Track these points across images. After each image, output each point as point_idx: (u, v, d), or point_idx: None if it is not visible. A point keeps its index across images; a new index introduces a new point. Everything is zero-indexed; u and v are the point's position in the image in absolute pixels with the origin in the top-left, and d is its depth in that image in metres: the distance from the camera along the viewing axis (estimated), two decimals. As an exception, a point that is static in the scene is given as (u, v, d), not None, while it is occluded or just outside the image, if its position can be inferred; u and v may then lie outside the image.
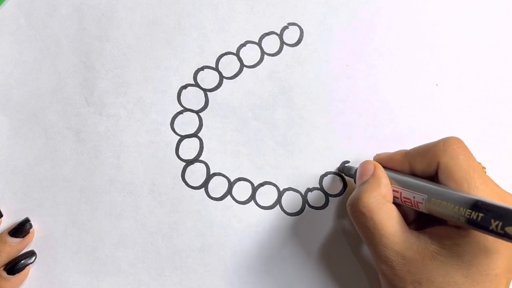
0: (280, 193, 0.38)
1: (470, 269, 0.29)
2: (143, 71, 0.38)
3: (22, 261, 0.37)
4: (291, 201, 0.38)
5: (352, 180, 0.38)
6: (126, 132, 0.38)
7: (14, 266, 0.36)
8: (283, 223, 0.38)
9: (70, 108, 0.38)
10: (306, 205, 0.38)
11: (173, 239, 0.38)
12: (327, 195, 0.38)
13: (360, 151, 0.38)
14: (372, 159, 0.36)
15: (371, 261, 0.38)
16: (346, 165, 0.37)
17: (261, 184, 0.38)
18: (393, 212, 0.31)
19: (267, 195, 0.38)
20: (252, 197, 0.38)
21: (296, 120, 0.38)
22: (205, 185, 0.38)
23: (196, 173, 0.38)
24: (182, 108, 0.38)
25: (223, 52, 0.38)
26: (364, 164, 0.34)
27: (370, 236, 0.31)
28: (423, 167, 0.32)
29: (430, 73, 0.38)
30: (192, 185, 0.38)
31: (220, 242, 0.38)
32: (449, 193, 0.29)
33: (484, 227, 0.26)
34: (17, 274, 0.36)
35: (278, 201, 0.38)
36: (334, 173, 0.38)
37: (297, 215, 0.38)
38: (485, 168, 0.35)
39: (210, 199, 0.38)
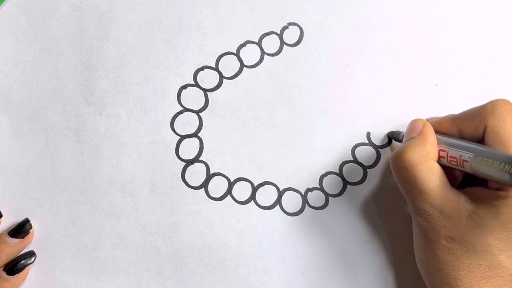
0: (280, 193, 0.38)
1: (505, 232, 0.29)
2: (143, 71, 0.38)
3: (22, 262, 0.37)
4: (291, 201, 0.38)
5: (350, 180, 0.38)
6: (126, 132, 0.38)
7: (14, 267, 0.36)
8: (283, 223, 0.38)
9: (70, 108, 0.38)
10: (306, 205, 0.38)
11: (173, 239, 0.38)
12: (327, 195, 0.38)
13: (360, 151, 0.38)
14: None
15: (370, 262, 0.38)
16: (395, 130, 0.37)
17: (261, 184, 0.38)
18: (435, 168, 0.31)
19: (267, 195, 0.38)
20: (252, 197, 0.38)
21: (296, 120, 0.38)
22: (205, 185, 0.38)
23: (196, 173, 0.38)
24: (182, 108, 0.38)
25: (223, 52, 0.38)
26: (413, 122, 0.34)
27: (410, 190, 0.31)
28: (471, 131, 0.32)
29: (430, 73, 0.38)
30: (192, 185, 0.38)
31: (220, 242, 0.38)
32: (495, 151, 0.29)
33: None
34: (16, 275, 0.36)
35: (278, 201, 0.38)
36: (335, 173, 0.38)
37: (297, 215, 0.38)
38: None
39: (210, 199, 0.38)
